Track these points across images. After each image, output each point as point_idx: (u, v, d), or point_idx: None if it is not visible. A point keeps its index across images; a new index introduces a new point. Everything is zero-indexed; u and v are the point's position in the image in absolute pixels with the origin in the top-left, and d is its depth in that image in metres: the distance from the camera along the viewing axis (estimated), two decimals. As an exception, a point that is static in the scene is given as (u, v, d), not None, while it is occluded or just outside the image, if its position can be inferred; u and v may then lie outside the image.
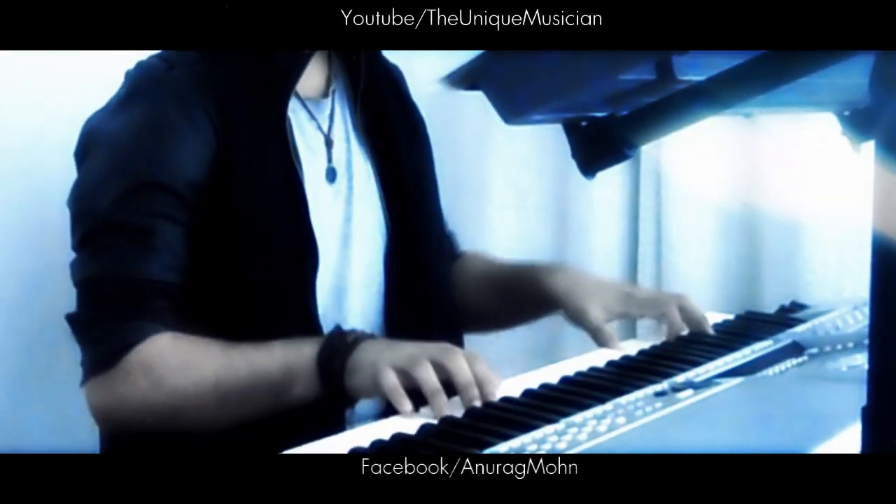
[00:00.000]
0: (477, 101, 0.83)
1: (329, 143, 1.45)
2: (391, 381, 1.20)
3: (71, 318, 1.35)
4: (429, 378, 1.19)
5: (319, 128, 1.45)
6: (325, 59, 1.48)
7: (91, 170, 1.37)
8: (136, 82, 1.40)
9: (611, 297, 1.51)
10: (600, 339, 1.47)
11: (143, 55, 1.42)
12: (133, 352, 1.29)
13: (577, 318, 1.50)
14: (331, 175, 1.45)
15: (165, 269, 1.32)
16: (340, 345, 1.26)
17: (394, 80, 1.57)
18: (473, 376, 1.19)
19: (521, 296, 1.58)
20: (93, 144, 1.39)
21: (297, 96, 1.43)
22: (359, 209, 1.46)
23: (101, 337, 1.32)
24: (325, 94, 1.48)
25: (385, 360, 1.22)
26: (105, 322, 1.31)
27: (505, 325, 1.71)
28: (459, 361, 1.20)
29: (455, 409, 1.17)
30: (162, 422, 1.30)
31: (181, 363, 1.30)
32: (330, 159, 1.45)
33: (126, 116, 1.37)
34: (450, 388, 1.20)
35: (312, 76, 1.46)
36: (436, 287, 1.52)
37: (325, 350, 1.26)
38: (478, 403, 1.18)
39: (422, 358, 1.21)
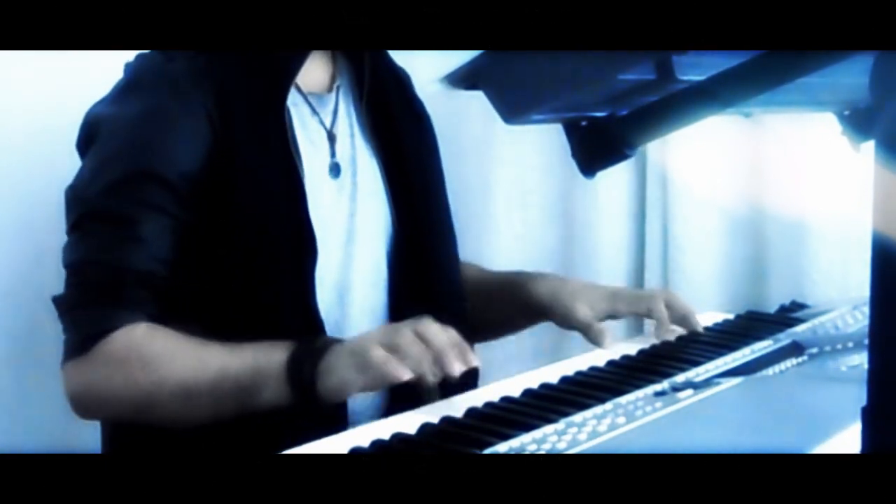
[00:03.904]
0: (481, 101, 0.83)
1: (332, 138, 1.45)
2: (380, 354, 1.19)
3: (56, 301, 1.36)
4: (411, 341, 1.19)
5: (322, 123, 1.45)
6: (328, 54, 1.48)
7: (88, 158, 1.38)
8: (135, 73, 1.40)
9: (596, 296, 1.53)
10: (591, 335, 1.49)
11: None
12: (107, 340, 1.30)
13: (566, 320, 1.52)
14: (334, 170, 1.44)
15: (149, 259, 1.32)
16: (310, 350, 1.24)
17: (400, 81, 1.57)
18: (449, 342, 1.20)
19: (509, 305, 1.59)
20: (92, 134, 1.39)
21: (300, 90, 1.43)
22: (363, 205, 1.45)
23: (79, 321, 1.33)
24: (329, 90, 1.48)
25: (364, 342, 1.22)
26: (84, 307, 1.33)
27: (497, 334, 1.70)
28: (434, 327, 1.21)
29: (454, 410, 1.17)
30: (132, 412, 1.31)
31: (152, 357, 1.30)
32: (333, 154, 1.45)
33: (123, 107, 1.38)
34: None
35: (316, 71, 1.46)
36: (442, 283, 1.51)
37: (295, 356, 1.24)
38: (459, 370, 1.19)
39: (400, 327, 1.22)
